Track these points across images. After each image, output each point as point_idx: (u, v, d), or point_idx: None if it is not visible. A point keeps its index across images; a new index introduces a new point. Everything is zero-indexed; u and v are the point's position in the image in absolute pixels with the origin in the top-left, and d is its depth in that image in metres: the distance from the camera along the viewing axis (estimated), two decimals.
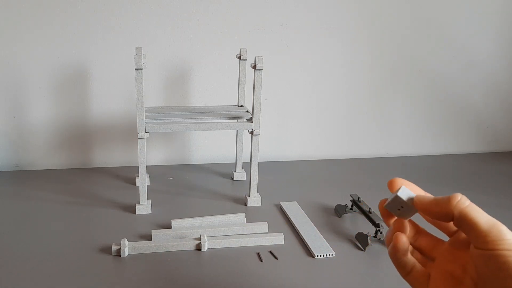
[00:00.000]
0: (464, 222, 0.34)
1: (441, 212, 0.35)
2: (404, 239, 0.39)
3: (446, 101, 1.15)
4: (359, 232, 0.70)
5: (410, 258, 0.39)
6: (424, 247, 0.41)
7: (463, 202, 0.34)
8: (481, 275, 0.33)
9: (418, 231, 0.42)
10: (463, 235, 0.38)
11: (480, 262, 0.33)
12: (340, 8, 1.02)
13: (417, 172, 1.03)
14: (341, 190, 0.90)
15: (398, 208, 0.39)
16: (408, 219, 0.41)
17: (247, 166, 0.87)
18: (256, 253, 0.66)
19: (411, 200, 0.38)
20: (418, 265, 0.40)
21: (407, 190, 0.39)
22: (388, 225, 0.41)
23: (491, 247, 0.32)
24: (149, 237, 0.69)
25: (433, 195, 0.38)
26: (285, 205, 0.81)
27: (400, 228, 0.40)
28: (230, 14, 0.98)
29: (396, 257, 0.39)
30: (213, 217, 0.73)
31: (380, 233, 0.69)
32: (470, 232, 0.33)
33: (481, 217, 0.33)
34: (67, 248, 0.66)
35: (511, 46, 1.15)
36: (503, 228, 0.33)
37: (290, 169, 1.02)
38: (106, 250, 0.66)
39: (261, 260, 0.64)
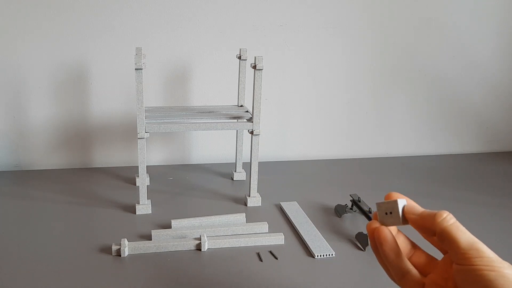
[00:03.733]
0: (445, 239, 0.36)
1: (425, 227, 0.37)
2: (387, 231, 0.39)
3: (446, 101, 1.15)
4: (359, 232, 0.70)
5: (406, 261, 0.39)
6: (418, 262, 0.41)
7: (448, 220, 0.36)
8: None
9: (413, 246, 0.43)
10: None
11: (460, 277, 0.35)
12: (340, 8, 1.02)
13: (417, 172, 1.03)
14: (341, 190, 0.90)
15: (386, 213, 0.40)
16: (397, 231, 0.42)
17: (247, 166, 0.87)
18: (256, 253, 0.66)
19: (403, 210, 0.40)
20: (415, 271, 0.39)
21: (404, 202, 0.40)
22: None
23: (469, 263, 0.34)
24: (149, 237, 0.69)
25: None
26: (285, 205, 0.81)
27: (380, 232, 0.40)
28: (230, 14, 0.98)
29: (385, 252, 0.39)
30: (213, 217, 0.73)
31: None
32: (451, 248, 0.36)
33: (462, 235, 0.35)
34: (67, 248, 0.66)
35: (511, 46, 1.15)
36: (482, 247, 0.35)
37: (290, 169, 1.02)
38: (106, 250, 0.66)
39: (261, 260, 0.64)
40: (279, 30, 1.01)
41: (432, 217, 0.37)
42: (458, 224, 0.36)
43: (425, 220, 0.37)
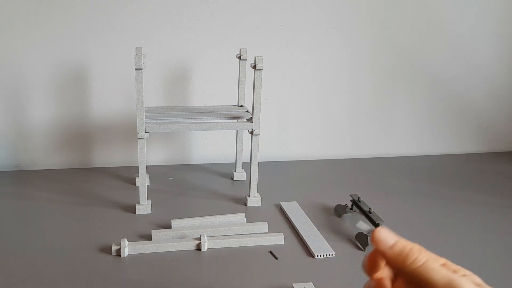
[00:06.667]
0: (419, 281, 0.33)
1: (396, 263, 0.35)
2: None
3: (446, 101, 1.15)
4: (359, 232, 0.70)
5: None
6: None
7: (418, 261, 0.34)
8: None
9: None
10: None
11: None
12: (340, 8, 1.02)
13: (417, 172, 1.03)
14: (341, 190, 0.90)
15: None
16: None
17: (247, 166, 0.87)
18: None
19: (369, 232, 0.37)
20: None
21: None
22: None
23: None
24: (149, 237, 0.69)
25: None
26: (285, 205, 0.81)
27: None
28: (230, 14, 0.98)
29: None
30: (213, 217, 0.73)
31: None
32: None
33: (436, 276, 0.33)
34: (67, 248, 0.66)
35: (511, 46, 1.15)
36: (460, 283, 0.32)
37: (290, 169, 1.02)
38: (106, 250, 0.66)
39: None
40: (279, 30, 1.01)
41: (403, 257, 0.35)
42: (429, 262, 0.34)
43: (396, 257, 0.35)
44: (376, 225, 0.69)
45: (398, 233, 0.72)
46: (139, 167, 0.76)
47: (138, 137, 0.74)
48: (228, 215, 0.74)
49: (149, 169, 0.97)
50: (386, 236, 0.36)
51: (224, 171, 0.99)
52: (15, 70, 0.92)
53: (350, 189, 0.90)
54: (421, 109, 1.14)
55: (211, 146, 1.05)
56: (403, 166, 1.07)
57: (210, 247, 0.67)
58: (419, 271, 0.33)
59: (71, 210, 0.78)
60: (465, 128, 1.19)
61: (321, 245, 0.68)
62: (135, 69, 0.71)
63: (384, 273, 0.37)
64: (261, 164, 0.97)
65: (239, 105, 0.91)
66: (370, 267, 0.37)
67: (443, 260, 0.35)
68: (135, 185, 0.89)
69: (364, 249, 0.68)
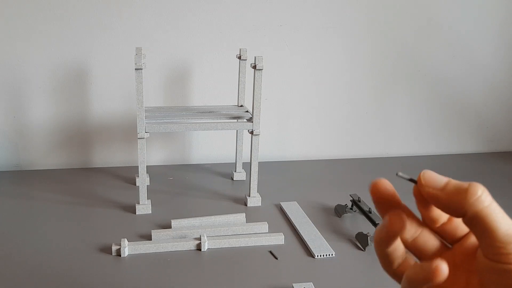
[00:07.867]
0: (478, 225, 0.27)
1: (451, 206, 0.28)
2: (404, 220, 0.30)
3: (446, 101, 1.15)
4: (359, 232, 0.70)
5: (400, 251, 0.31)
6: (424, 248, 0.32)
7: (483, 200, 0.27)
8: None
9: (419, 224, 0.33)
10: (469, 242, 0.31)
11: (488, 275, 0.27)
12: (340, 8, 1.02)
13: (417, 172, 1.03)
14: (341, 190, 0.90)
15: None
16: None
17: (247, 166, 0.87)
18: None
19: (414, 180, 0.31)
20: (411, 260, 0.32)
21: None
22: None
23: (505, 260, 0.26)
24: (149, 237, 0.69)
25: None
26: (285, 205, 0.81)
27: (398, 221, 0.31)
28: (230, 14, 0.98)
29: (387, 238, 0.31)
30: (213, 217, 0.73)
31: None
32: (484, 238, 0.27)
33: (501, 223, 0.26)
34: (67, 248, 0.66)
35: (511, 46, 1.15)
36: None
37: (290, 169, 1.02)
38: (106, 250, 0.66)
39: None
40: (279, 30, 1.01)
41: (462, 196, 0.27)
42: (495, 205, 0.27)
43: (451, 198, 0.28)
44: (376, 225, 0.69)
45: None
46: (139, 167, 0.76)
47: (138, 137, 0.74)
48: (228, 215, 0.74)
49: (149, 169, 0.97)
50: (435, 176, 0.30)
51: (224, 171, 0.99)
52: (15, 70, 0.92)
53: (350, 189, 0.90)
54: (421, 109, 1.14)
55: (211, 146, 1.05)
56: (403, 166, 1.07)
57: (210, 247, 0.67)
58: (484, 213, 0.27)
59: (71, 210, 0.78)
60: (465, 128, 1.19)
61: (321, 245, 0.68)
62: (135, 69, 0.71)
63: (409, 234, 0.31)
64: (261, 164, 0.97)
65: (239, 105, 0.91)
66: (397, 225, 0.30)
67: None
68: (135, 185, 0.89)
69: (364, 249, 0.68)
